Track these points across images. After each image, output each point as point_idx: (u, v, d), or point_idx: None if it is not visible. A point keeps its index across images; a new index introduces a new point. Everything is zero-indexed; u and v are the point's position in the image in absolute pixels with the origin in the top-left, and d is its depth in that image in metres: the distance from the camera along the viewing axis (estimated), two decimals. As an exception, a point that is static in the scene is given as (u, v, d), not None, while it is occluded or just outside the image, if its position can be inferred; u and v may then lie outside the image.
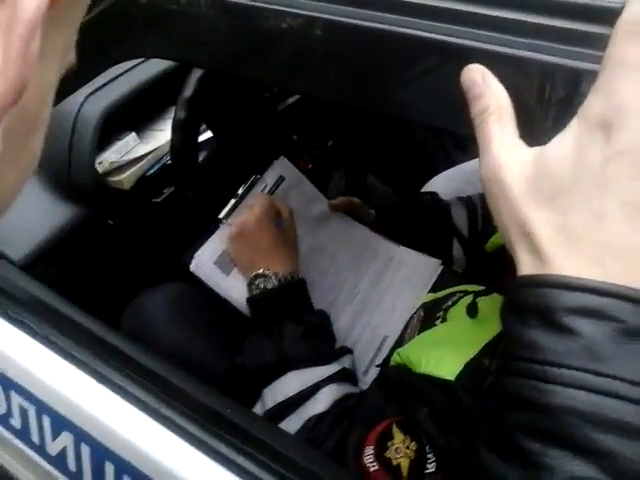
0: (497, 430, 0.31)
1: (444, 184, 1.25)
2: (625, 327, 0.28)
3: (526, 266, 0.31)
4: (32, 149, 0.24)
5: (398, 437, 0.61)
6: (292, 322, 0.76)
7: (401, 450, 0.60)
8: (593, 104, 0.31)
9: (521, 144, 0.34)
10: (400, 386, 0.64)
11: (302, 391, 0.72)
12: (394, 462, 0.60)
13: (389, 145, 1.45)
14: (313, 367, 0.73)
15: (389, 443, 0.61)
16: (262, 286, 0.79)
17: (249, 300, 0.80)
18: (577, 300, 0.29)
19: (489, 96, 0.34)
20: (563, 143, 0.31)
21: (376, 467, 0.61)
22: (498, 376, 0.32)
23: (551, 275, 0.30)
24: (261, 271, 0.80)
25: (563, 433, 0.28)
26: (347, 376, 0.76)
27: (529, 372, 0.29)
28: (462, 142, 1.41)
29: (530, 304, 0.30)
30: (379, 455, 0.61)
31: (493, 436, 0.31)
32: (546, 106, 0.37)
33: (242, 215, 0.84)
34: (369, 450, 0.62)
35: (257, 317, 0.80)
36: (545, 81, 0.37)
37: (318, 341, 0.77)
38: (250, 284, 0.81)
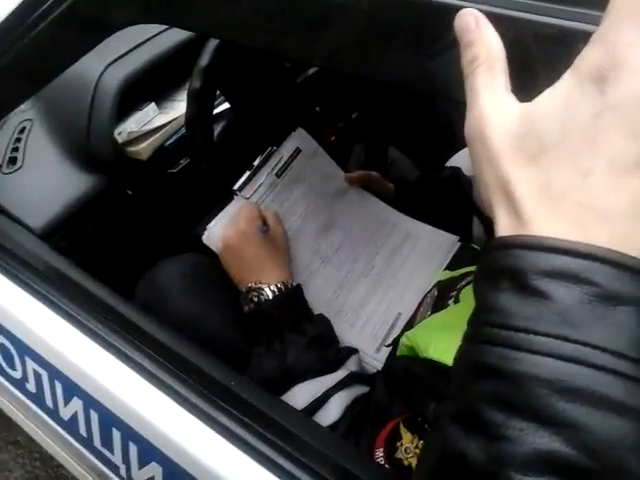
0: (461, 400, 0.30)
1: (468, 159, 1.21)
2: (601, 291, 0.26)
3: (504, 228, 0.30)
4: None
5: (406, 437, 0.59)
6: (293, 334, 0.74)
7: (410, 450, 0.58)
8: (588, 55, 0.28)
9: (511, 99, 0.31)
10: (406, 379, 0.63)
11: (311, 403, 0.69)
12: (405, 462, 0.58)
13: (414, 118, 1.41)
14: (320, 377, 0.71)
15: (398, 444, 0.59)
16: (256, 299, 0.77)
17: (246, 314, 0.78)
18: (550, 262, 0.27)
19: (480, 44, 0.32)
20: (552, 97, 0.29)
21: (387, 468, 0.60)
22: (465, 343, 0.30)
23: (525, 236, 0.28)
24: (252, 284, 0.77)
25: (527, 403, 0.26)
26: (355, 378, 0.73)
27: (495, 338, 0.28)
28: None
29: (501, 266, 0.28)
30: (390, 457, 0.60)
31: (457, 406, 0.30)
32: (545, 64, 0.34)
33: (226, 230, 0.82)
34: (379, 453, 0.60)
35: (257, 330, 0.77)
36: (543, 41, 0.34)
37: (322, 350, 0.74)
38: (244, 298, 0.78)
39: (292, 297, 0.78)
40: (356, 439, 0.64)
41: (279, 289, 0.77)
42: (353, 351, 0.78)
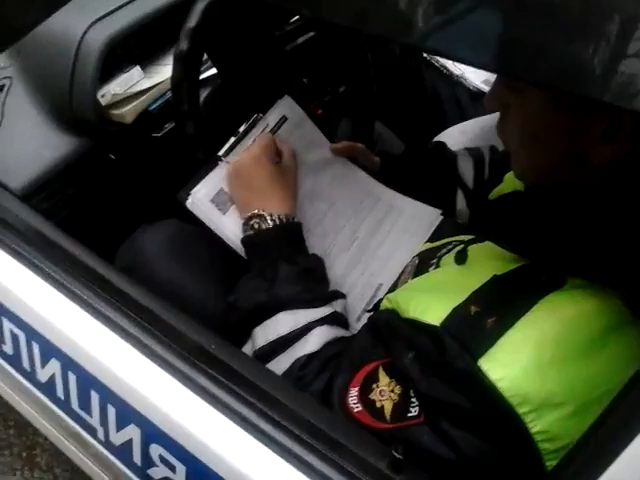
0: None
1: (456, 137, 1.21)
2: None
3: None
4: None
5: (383, 380, 0.61)
6: (286, 263, 0.75)
7: (385, 393, 0.60)
8: None
9: None
10: (388, 330, 0.64)
11: (293, 331, 0.71)
12: (378, 404, 0.60)
13: (402, 95, 1.41)
14: (305, 309, 0.73)
15: (374, 385, 0.61)
16: (257, 226, 0.78)
17: (243, 240, 0.79)
18: None
19: None
20: None
21: (359, 408, 0.61)
22: None
23: None
24: (256, 211, 0.78)
25: None
26: (338, 319, 0.75)
27: None
28: (477, 95, 1.37)
29: None
30: (363, 397, 0.61)
31: None
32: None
33: (241, 153, 0.82)
34: (354, 392, 0.62)
35: (251, 257, 0.79)
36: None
37: (311, 283, 0.76)
38: (245, 224, 0.79)
39: (292, 230, 0.79)
40: (331, 376, 0.66)
41: (280, 220, 0.78)
42: (341, 295, 0.79)
